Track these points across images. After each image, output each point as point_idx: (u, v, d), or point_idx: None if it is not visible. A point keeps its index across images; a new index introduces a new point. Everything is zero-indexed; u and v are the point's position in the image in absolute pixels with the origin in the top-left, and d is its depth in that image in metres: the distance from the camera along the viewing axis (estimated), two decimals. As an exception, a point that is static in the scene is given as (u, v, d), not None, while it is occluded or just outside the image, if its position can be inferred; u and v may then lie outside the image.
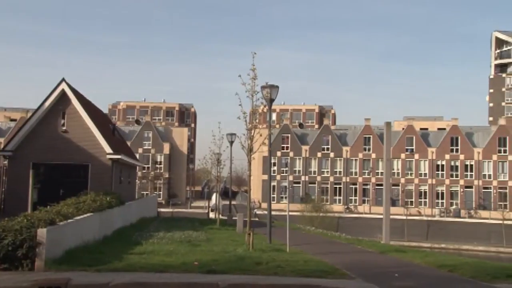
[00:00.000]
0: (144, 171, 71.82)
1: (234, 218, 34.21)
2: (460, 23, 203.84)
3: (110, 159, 25.35)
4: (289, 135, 74.62)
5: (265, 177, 65.54)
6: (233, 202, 63.24)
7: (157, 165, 76.61)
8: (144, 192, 68.54)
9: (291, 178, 72.19)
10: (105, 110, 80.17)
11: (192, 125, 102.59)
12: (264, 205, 66.35)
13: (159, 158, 77.41)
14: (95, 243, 16.11)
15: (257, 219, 45.02)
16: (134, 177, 37.63)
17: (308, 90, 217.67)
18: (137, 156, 60.22)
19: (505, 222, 59.16)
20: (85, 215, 16.07)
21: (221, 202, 49.01)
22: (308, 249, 18.95)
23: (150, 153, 76.73)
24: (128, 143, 58.43)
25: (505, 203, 66.42)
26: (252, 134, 19.18)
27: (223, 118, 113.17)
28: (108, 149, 25.23)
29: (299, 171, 73.91)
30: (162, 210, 52.94)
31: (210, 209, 52.30)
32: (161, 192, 74.73)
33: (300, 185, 73.47)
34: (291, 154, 74.18)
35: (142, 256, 14.14)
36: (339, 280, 11.76)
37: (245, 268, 12.43)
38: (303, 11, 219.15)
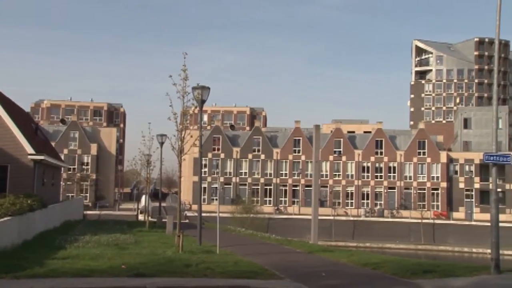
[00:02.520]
0: (69, 172, 68.99)
1: (163, 220, 33.66)
2: (386, 30, 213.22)
3: (32, 160, 24.08)
4: (220, 136, 74.58)
5: (196, 178, 65.03)
6: (163, 204, 62.18)
7: (83, 166, 73.86)
8: (70, 195, 65.85)
9: (222, 179, 72.15)
10: (27, 109, 76.26)
11: (121, 125, 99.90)
12: (195, 206, 65.89)
13: (86, 159, 74.69)
14: (13, 249, 15.27)
15: (187, 221, 44.58)
16: (58, 178, 36.02)
17: (240, 92, 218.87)
18: (62, 157, 57.76)
19: (424, 221, 62.48)
20: (1, 220, 15.19)
21: (150, 204, 48.09)
22: (238, 250, 18.99)
23: (76, 154, 73.84)
24: (53, 144, 55.86)
25: (424, 203, 70.14)
26: (182, 135, 18.97)
27: (154, 119, 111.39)
28: (29, 149, 23.95)
29: (230, 172, 74.04)
30: (89, 212, 51.14)
31: (139, 211, 51.14)
32: (87, 194, 72.09)
33: (231, 186, 73.62)
34: (222, 155, 74.16)
35: (66, 260, 13.56)
36: (268, 281, 11.89)
37: (174, 271, 12.27)
38: (236, 13, 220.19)
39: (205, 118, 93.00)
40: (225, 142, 74.41)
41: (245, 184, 73.72)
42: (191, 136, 19.40)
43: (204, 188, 71.47)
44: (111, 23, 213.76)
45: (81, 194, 68.18)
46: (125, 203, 75.70)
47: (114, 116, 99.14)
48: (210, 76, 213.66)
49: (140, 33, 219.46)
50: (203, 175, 70.58)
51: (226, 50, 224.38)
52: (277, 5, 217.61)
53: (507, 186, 68.52)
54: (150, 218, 36.64)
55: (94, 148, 74.77)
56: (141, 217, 46.25)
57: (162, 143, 31.19)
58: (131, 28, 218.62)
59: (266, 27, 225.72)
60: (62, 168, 40.15)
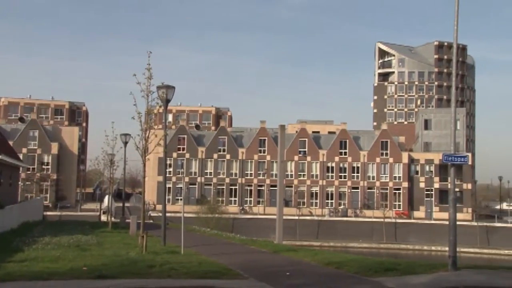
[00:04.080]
0: (29, 172, 67.09)
1: (127, 220, 33.19)
2: (351, 32, 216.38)
3: (-11, 159, 23.34)
4: (185, 136, 74.07)
5: (161, 178, 64.25)
6: (127, 204, 61.31)
7: (44, 166, 71.91)
8: (29, 195, 64.03)
9: (186, 179, 71.73)
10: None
11: (84, 124, 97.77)
12: (159, 206, 65.12)
13: (47, 158, 72.76)
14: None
15: (151, 221, 44.11)
16: (16, 179, 35.01)
17: (205, 92, 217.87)
18: (21, 156, 56.06)
19: (386, 220, 63.74)
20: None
21: (114, 204, 47.33)
22: (203, 250, 18.93)
23: (36, 153, 71.84)
24: (10, 143, 54.20)
25: (386, 202, 71.55)
26: (147, 134, 18.82)
27: (118, 118, 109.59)
28: (-14, 148, 23.18)
29: (195, 172, 73.64)
30: (49, 213, 49.96)
31: (102, 211, 50.23)
32: (48, 195, 70.26)
33: (196, 186, 73.23)
34: (187, 155, 73.67)
35: (23, 263, 13.18)
36: (232, 281, 11.91)
37: (137, 272, 12.14)
38: (202, 12, 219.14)
39: (170, 117, 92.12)
40: (190, 142, 73.94)
41: (210, 184, 73.47)
42: (156, 136, 19.26)
43: (169, 188, 70.85)
44: (72, 20, 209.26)
45: (41, 195, 66.41)
46: (87, 204, 74.15)
47: (76, 115, 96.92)
48: (176, 75, 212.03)
49: (104, 30, 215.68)
50: (167, 175, 70.56)
51: (192, 49, 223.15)
52: (243, 5, 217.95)
53: (465, 186, 70.65)
54: (113, 219, 36.09)
55: (55, 148, 72.95)
56: (104, 218, 45.51)
57: (126, 143, 30.72)
58: (94, 25, 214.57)
59: (232, 27, 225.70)
60: (21, 168, 39.04)
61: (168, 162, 71.22)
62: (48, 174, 71.51)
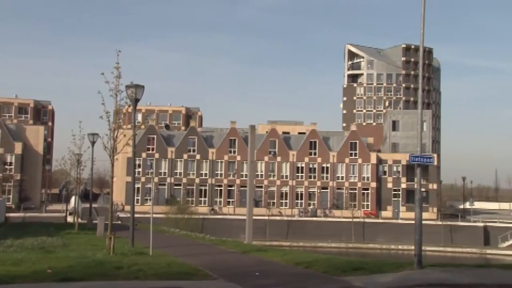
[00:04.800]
0: (-9, 172, 65.22)
1: (94, 221, 32.64)
2: (322, 33, 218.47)
3: None
4: (155, 136, 73.37)
5: (129, 178, 63.60)
6: (95, 205, 60.20)
7: (6, 166, 70.00)
8: (-9, 196, 62.23)
9: (156, 179, 71.01)
10: None
11: (50, 123, 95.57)
12: (128, 207, 64.31)
13: (10, 158, 70.81)
14: None
15: (119, 222, 43.54)
16: (-22, 179, 33.96)
17: (175, 92, 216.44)
18: (-16, 156, 54.45)
19: (354, 220, 64.59)
20: None
21: (81, 205, 46.48)
22: (172, 251, 18.79)
23: (-1, 152, 69.91)
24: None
25: (355, 202, 72.46)
26: (115, 134, 18.56)
27: (86, 117, 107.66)
28: None
29: (164, 172, 73.03)
30: (12, 215, 48.66)
31: (68, 212, 49.23)
32: (11, 196, 68.43)
33: (166, 187, 72.62)
34: (157, 155, 72.99)
35: (-16, 267, 12.79)
36: (201, 281, 11.86)
37: (104, 274, 11.94)
38: (172, 11, 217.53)
39: (139, 117, 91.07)
40: (159, 142, 73.28)
41: (180, 185, 72.98)
42: (124, 136, 19.01)
43: (138, 188, 70.05)
44: (38, 16, 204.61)
45: (3, 196, 64.63)
46: (53, 205, 72.52)
47: (41, 113, 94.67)
48: (145, 75, 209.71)
49: (71, 27, 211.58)
50: (136, 175, 69.66)
51: (162, 49, 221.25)
52: (213, 5, 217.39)
53: (430, 186, 72.23)
54: (80, 220, 35.44)
55: (18, 147, 71.10)
56: (70, 219, 44.64)
57: (93, 143, 30.17)
58: (61, 22, 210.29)
59: (202, 27, 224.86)
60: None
61: (137, 162, 70.27)
62: (11, 175, 69.65)
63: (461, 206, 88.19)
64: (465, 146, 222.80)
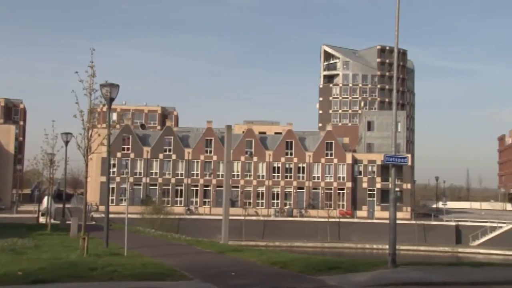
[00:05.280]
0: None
1: (68, 222, 32.12)
2: (298, 34, 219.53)
3: None
4: (130, 135, 72.66)
5: (104, 178, 62.78)
6: (68, 206, 59.25)
7: (-23, 166, 68.41)
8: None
9: (131, 179, 70.29)
10: None
11: (21, 122, 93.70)
12: (102, 208, 63.50)
13: (-20, 158, 69.26)
14: None
15: (94, 222, 42.97)
16: None
17: (151, 91, 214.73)
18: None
19: (330, 219, 65.06)
20: None
21: (53, 206, 45.66)
22: (147, 251, 18.62)
23: (-31, 152, 68.29)
24: None
25: (330, 202, 73.01)
26: (89, 134, 18.34)
27: (60, 116, 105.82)
28: None
29: (140, 172, 72.37)
30: (-18, 216, 47.44)
31: (40, 213, 48.31)
32: (-19, 196, 66.89)
33: (141, 187, 71.96)
34: (132, 155, 72.29)
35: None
36: (177, 282, 11.79)
37: (78, 275, 11.76)
38: (147, 10, 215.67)
39: (114, 116, 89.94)
40: (135, 142, 72.59)
41: (156, 185, 72.43)
42: (99, 135, 18.82)
43: (113, 188, 69.23)
44: (9, 12, 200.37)
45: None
46: (24, 205, 71.10)
47: (13, 112, 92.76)
48: (121, 73, 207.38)
49: (43, 24, 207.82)
50: (111, 175, 68.56)
51: (138, 48, 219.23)
52: (190, 4, 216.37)
53: (405, 186, 73.26)
54: (52, 221, 34.82)
55: (-11, 147, 69.59)
56: (42, 220, 43.83)
57: (67, 142, 29.68)
58: (33, 18, 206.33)
59: (178, 26, 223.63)
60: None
61: (112, 162, 69.53)
62: (-18, 174, 68.07)
63: (434, 206, 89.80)
64: (438, 147, 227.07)
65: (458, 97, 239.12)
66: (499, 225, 63.45)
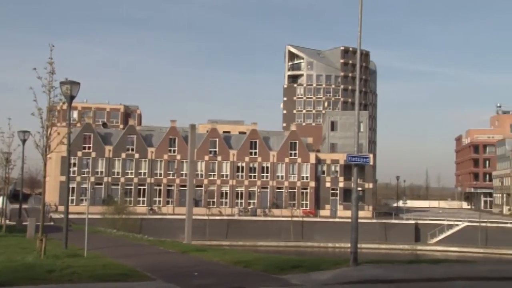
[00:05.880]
0: None
1: (24, 223, 31.20)
2: (263, 33, 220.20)
3: None
4: (92, 134, 71.24)
5: (63, 178, 61.35)
6: (25, 206, 57.49)
7: None
8: None
9: (92, 179, 68.93)
10: None
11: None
12: (62, 208, 62.00)
13: None
14: None
15: (52, 223, 41.92)
16: None
17: (114, 89, 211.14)
18: None
19: (293, 219, 65.55)
20: None
21: (9, 206, 44.20)
22: (108, 252, 18.29)
23: None
24: None
25: (294, 201, 73.54)
26: (48, 132, 17.86)
27: (17, 114, 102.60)
28: None
29: (101, 172, 71.06)
30: None
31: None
32: None
33: (102, 186, 70.66)
34: (93, 154, 70.90)
35: None
36: (139, 283, 11.63)
37: (34, 277, 11.42)
38: (111, 7, 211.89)
39: (75, 115, 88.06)
40: (96, 140, 71.20)
41: (118, 184, 71.28)
42: (59, 134, 18.39)
43: (73, 188, 67.79)
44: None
45: None
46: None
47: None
48: (82, 71, 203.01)
49: None
50: (71, 174, 67.27)
51: (101, 45, 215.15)
52: (154, 3, 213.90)
53: (367, 185, 74.57)
54: (8, 222, 33.76)
55: None
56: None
57: (24, 141, 28.77)
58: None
59: (142, 24, 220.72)
60: None
61: (72, 161, 67.99)
62: None
63: (395, 205, 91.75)
64: (399, 147, 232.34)
65: (418, 98, 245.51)
66: (456, 223, 65.43)
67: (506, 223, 66.36)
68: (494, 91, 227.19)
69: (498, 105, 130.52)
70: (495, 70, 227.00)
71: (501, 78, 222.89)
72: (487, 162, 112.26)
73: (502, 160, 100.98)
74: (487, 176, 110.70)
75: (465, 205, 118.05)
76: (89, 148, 70.88)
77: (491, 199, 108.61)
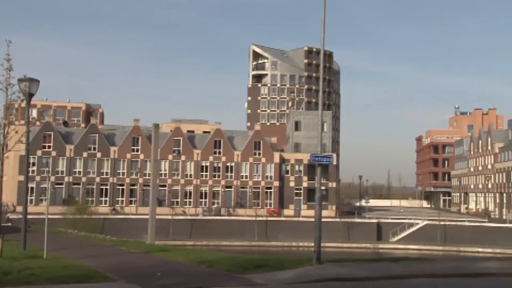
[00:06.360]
0: None
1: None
2: (228, 33, 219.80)
3: None
4: (52, 133, 69.56)
5: (22, 177, 59.62)
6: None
7: None
8: None
9: (52, 179, 67.32)
10: None
11: None
12: (20, 208, 60.22)
13: None
14: None
15: (10, 224, 40.68)
16: None
17: (76, 87, 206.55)
18: None
19: (258, 218, 65.74)
20: None
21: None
22: (69, 253, 17.91)
23: None
24: None
25: (258, 201, 73.77)
26: (6, 131, 17.37)
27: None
28: None
29: (62, 171, 69.47)
30: None
31: None
32: None
33: (63, 186, 69.10)
34: (54, 153, 69.22)
35: None
36: (100, 284, 11.44)
37: (-9, 280, 11.06)
38: (72, 3, 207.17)
39: (34, 113, 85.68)
40: (57, 139, 69.53)
41: (79, 184, 69.83)
42: (17, 132, 17.90)
43: (32, 188, 66.10)
44: None
45: None
46: None
47: None
48: (42, 68, 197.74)
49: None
50: (30, 174, 65.55)
51: (62, 42, 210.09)
52: (119, 0, 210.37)
53: (330, 185, 75.52)
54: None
55: None
56: None
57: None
58: None
59: (105, 21, 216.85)
60: None
61: (31, 160, 66.29)
62: None
63: (358, 204, 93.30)
64: (362, 147, 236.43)
65: (381, 98, 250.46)
66: (416, 221, 67.08)
67: (464, 221, 68.55)
68: (453, 93, 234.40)
69: (457, 106, 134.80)
70: (454, 72, 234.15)
71: (460, 80, 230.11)
72: (446, 162, 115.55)
73: (460, 160, 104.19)
74: (446, 175, 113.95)
75: (425, 204, 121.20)
76: (49, 147, 69.18)
77: (449, 198, 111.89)
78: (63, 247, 19.94)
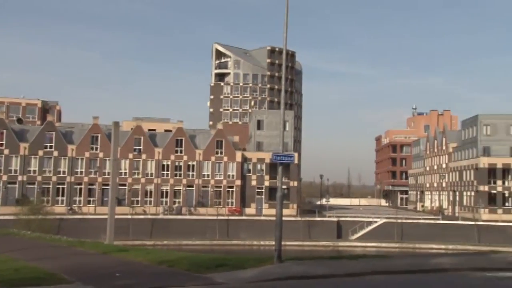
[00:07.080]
0: None
1: None
2: (191, 31, 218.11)
3: None
4: (5, 130, 67.30)
5: (-26, 177, 57.37)
6: None
7: None
8: None
9: (5, 178, 65.14)
10: None
11: None
12: (-29, 209, 57.93)
13: None
14: None
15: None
16: None
17: (31, 84, 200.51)
18: None
19: (219, 217, 65.53)
20: None
21: None
22: (22, 255, 17.28)
23: None
24: None
25: (220, 200, 73.52)
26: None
27: None
28: None
29: (15, 170, 67.25)
30: None
31: None
32: None
33: (16, 185, 66.89)
34: (6, 151, 66.96)
35: None
36: (55, 286, 11.10)
37: None
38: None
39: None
40: (10, 137, 67.24)
41: (34, 183, 67.71)
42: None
43: (-16, 187, 63.57)
44: None
45: None
46: None
47: None
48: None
49: None
50: (-18, 173, 62.93)
51: (19, 36, 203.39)
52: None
53: (291, 184, 76.04)
54: None
55: None
56: None
57: None
58: None
59: (63, 16, 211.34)
60: None
61: (-17, 158, 63.87)
62: None
63: (318, 202, 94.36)
64: (323, 146, 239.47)
65: (342, 98, 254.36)
66: (374, 219, 68.44)
67: (419, 218, 70.41)
68: (411, 93, 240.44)
69: (414, 107, 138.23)
70: (413, 73, 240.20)
71: (417, 81, 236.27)
72: (404, 161, 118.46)
73: (416, 159, 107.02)
74: (404, 174, 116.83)
75: (383, 202, 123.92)
76: (1, 145, 66.89)
77: (406, 196, 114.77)
78: (15, 249, 19.27)
